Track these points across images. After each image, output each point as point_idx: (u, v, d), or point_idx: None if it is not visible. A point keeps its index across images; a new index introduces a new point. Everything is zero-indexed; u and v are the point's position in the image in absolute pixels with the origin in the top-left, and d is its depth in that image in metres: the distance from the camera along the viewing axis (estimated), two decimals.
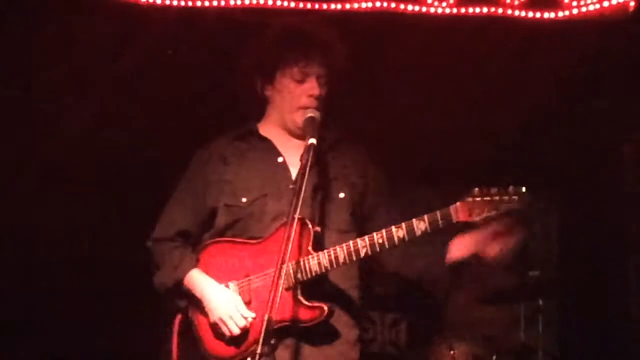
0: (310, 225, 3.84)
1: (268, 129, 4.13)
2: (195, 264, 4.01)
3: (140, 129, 6.04)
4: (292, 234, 3.56)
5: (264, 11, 5.49)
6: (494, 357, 5.78)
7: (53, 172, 5.86)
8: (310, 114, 3.97)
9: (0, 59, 5.54)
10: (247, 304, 3.90)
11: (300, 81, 3.96)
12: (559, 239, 7.06)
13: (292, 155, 3.97)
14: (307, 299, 3.81)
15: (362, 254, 3.79)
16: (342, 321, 3.95)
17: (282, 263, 3.49)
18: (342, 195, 4.06)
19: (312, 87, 3.96)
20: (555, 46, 5.73)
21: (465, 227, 3.88)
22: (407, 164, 6.49)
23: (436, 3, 5.47)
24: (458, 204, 3.79)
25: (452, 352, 5.71)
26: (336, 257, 3.79)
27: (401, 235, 3.77)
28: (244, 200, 3.99)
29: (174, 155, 6.17)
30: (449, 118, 6.20)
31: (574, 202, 6.78)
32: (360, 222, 4.09)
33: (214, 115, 6.00)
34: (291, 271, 3.79)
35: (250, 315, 3.86)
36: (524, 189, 3.74)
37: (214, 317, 3.90)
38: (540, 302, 5.98)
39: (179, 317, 4.07)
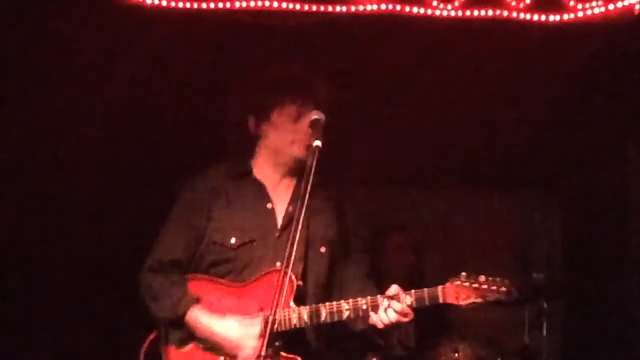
0: (294, 278, 3.93)
1: (261, 169, 4.25)
2: (197, 301, 4.06)
3: (145, 130, 6.04)
4: (296, 240, 3.61)
5: (269, 13, 5.49)
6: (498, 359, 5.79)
7: (54, 172, 5.86)
8: (315, 116, 3.99)
9: (4, 59, 5.54)
10: None
11: (296, 119, 4.13)
12: (562, 241, 7.06)
13: (280, 202, 4.16)
14: (277, 350, 3.87)
15: (345, 317, 3.91)
16: None
17: (287, 267, 3.53)
18: (322, 249, 4.18)
19: (305, 125, 4.07)
20: (561, 49, 5.73)
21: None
22: (410, 164, 6.50)
23: (441, 6, 5.47)
24: (447, 285, 3.92)
25: (456, 355, 5.71)
26: (317, 315, 3.91)
27: (385, 305, 3.89)
28: (232, 241, 4.09)
29: (177, 156, 6.22)
30: (453, 119, 6.20)
31: (578, 205, 6.78)
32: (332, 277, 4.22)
33: (218, 115, 6.01)
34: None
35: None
36: (508, 282, 3.93)
37: (231, 344, 3.93)
38: (545, 304, 5.98)
39: (151, 335, 4.13)
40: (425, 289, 3.95)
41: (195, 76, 5.85)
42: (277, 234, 4.11)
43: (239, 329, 3.92)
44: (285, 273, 3.58)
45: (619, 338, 6.17)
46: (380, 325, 3.92)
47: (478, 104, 6.10)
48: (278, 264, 3.81)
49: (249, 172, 4.23)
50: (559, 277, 6.64)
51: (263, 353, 3.42)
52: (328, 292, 4.16)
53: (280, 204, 4.17)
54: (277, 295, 3.53)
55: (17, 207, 5.79)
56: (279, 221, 4.14)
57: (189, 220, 4.17)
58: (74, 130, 5.84)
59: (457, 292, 3.92)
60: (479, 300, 3.92)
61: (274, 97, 4.17)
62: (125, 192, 6.11)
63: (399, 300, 3.90)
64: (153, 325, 4.13)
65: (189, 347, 4.03)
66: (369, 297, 3.93)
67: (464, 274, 3.93)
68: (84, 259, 6.01)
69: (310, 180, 3.72)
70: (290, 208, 4.12)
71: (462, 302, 3.93)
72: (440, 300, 3.93)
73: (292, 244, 3.61)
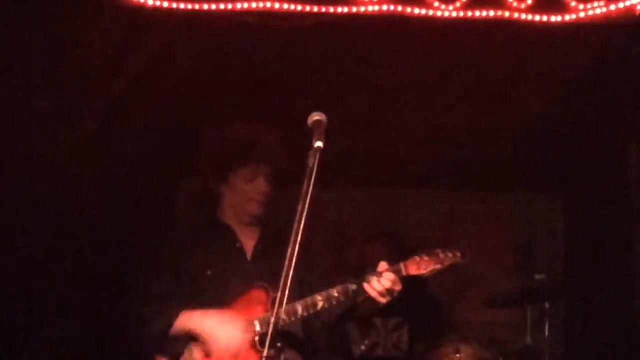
0: (268, 288, 4.31)
1: (227, 216, 4.63)
2: (184, 308, 4.32)
3: (146, 131, 6.04)
4: (299, 239, 3.61)
5: (270, 14, 5.49)
6: None
7: (56, 172, 5.86)
8: (317, 117, 3.98)
9: (6, 60, 5.54)
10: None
11: (251, 180, 4.51)
12: (564, 242, 7.06)
13: (248, 242, 4.58)
14: (262, 348, 4.03)
15: (319, 307, 4.28)
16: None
17: (289, 271, 3.55)
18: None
19: (260, 185, 4.51)
20: (562, 49, 5.73)
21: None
22: (412, 166, 6.50)
23: (443, 7, 5.46)
24: (408, 261, 4.36)
25: (458, 356, 5.71)
26: (294, 311, 4.26)
27: (355, 289, 4.30)
28: (209, 272, 4.44)
29: (179, 157, 6.23)
30: (455, 120, 6.21)
31: (580, 205, 6.78)
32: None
33: (221, 115, 6.02)
34: (256, 323, 4.24)
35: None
36: (460, 249, 4.41)
37: (207, 337, 4.22)
38: (547, 305, 5.98)
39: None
40: (391, 269, 4.32)
41: (197, 77, 5.85)
42: (248, 266, 4.52)
43: (215, 322, 4.23)
44: (299, 226, 3.62)
45: (621, 339, 6.17)
46: (380, 298, 4.27)
47: (480, 105, 6.10)
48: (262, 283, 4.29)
49: (217, 220, 4.62)
50: (561, 278, 6.65)
51: (265, 354, 3.42)
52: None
53: (248, 243, 4.58)
54: (279, 294, 3.56)
55: (18, 207, 5.79)
56: (248, 256, 4.55)
57: (171, 260, 4.49)
58: (75, 131, 5.85)
59: (418, 264, 4.35)
60: (438, 266, 4.36)
61: (228, 162, 4.54)
62: (127, 192, 6.12)
63: (370, 283, 4.26)
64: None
65: None
66: (340, 286, 4.30)
67: (421, 250, 4.39)
68: (85, 258, 6.02)
69: (312, 182, 3.72)
70: (259, 246, 4.55)
71: (424, 271, 4.36)
72: (404, 273, 4.32)
73: (305, 198, 3.63)
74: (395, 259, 5.74)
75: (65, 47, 5.57)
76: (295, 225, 3.58)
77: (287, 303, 4.17)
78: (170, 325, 4.29)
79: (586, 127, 6.29)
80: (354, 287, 4.30)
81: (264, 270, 4.39)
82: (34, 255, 5.88)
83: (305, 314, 4.27)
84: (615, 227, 6.38)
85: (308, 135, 3.85)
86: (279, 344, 3.52)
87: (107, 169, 6.05)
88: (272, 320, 3.47)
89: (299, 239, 3.60)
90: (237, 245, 4.58)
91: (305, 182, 3.71)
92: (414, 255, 4.36)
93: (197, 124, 6.01)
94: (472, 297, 6.60)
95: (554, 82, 5.95)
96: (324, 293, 4.29)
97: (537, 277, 5.99)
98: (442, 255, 4.38)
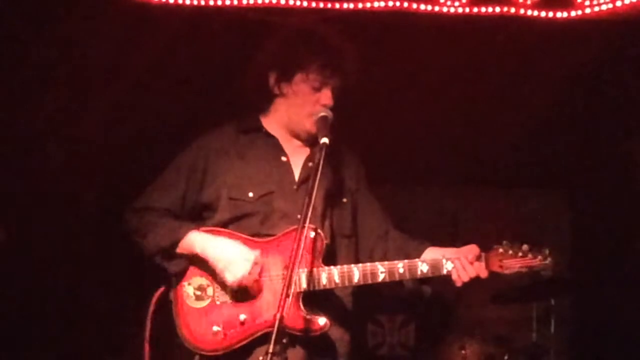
0: (323, 237, 3.90)
1: (272, 126, 4.15)
2: (195, 228, 3.97)
3: (151, 127, 6.05)
4: (304, 234, 3.59)
5: (277, 10, 5.49)
6: (506, 357, 5.78)
7: (58, 172, 5.87)
8: (322, 114, 3.99)
9: (10, 58, 5.55)
10: (254, 298, 3.90)
11: (318, 89, 4.02)
12: (570, 238, 7.05)
13: (295, 155, 4.08)
14: (307, 309, 3.85)
15: (380, 279, 3.85)
16: (335, 332, 4.00)
17: (293, 268, 3.50)
18: (345, 200, 4.16)
19: (327, 97, 4.03)
20: (568, 45, 5.72)
21: None
22: (417, 162, 6.49)
23: (449, 2, 5.46)
24: (491, 253, 3.89)
25: (463, 352, 5.72)
26: (350, 277, 3.86)
27: (425, 270, 3.88)
28: (250, 195, 4.01)
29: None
30: (461, 117, 6.20)
31: (586, 201, 6.77)
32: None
33: (226, 114, 6.01)
34: (302, 279, 3.82)
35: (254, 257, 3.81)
36: (548, 252, 3.93)
37: (220, 265, 3.84)
38: (553, 301, 5.98)
39: (159, 290, 4.05)
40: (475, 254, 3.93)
41: (203, 73, 5.85)
42: (295, 187, 4.05)
43: (233, 249, 3.86)
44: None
45: (627, 335, 6.16)
46: (459, 283, 3.93)
47: (485, 101, 6.10)
48: (299, 216, 3.64)
49: (259, 127, 4.14)
50: (567, 275, 6.64)
51: (271, 350, 3.40)
52: (354, 243, 4.11)
53: (295, 157, 4.09)
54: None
55: (20, 207, 5.80)
56: (296, 174, 4.07)
57: (186, 177, 4.10)
58: (80, 129, 5.85)
59: (502, 261, 3.89)
60: (524, 269, 3.92)
61: (301, 59, 4.05)
62: (129, 191, 6.11)
63: (440, 267, 3.89)
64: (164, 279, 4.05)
65: (204, 303, 3.93)
66: (406, 261, 3.89)
67: (506, 241, 3.89)
68: (87, 259, 6.02)
69: (318, 178, 3.71)
70: (310, 163, 4.02)
71: (507, 272, 3.91)
72: (484, 267, 3.90)
73: (311, 193, 3.57)
74: None
75: (70, 44, 5.57)
76: (301, 221, 3.58)
77: (343, 264, 3.89)
78: (178, 238, 3.93)
79: (592, 123, 6.28)
80: (424, 266, 3.89)
81: (315, 199, 3.76)
82: (36, 255, 5.91)
83: (362, 282, 3.86)
84: (620, 224, 6.37)
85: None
86: (284, 340, 3.52)
87: (109, 167, 6.06)
88: (277, 316, 3.45)
89: (304, 235, 3.59)
90: (284, 158, 4.08)
91: (311, 178, 3.71)
92: (497, 246, 3.91)
93: (201, 120, 6.05)
94: (477, 294, 6.59)
95: (559, 78, 5.93)
96: (386, 264, 3.88)
97: (542, 273, 5.98)
98: (529, 255, 3.93)
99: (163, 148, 6.10)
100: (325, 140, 3.82)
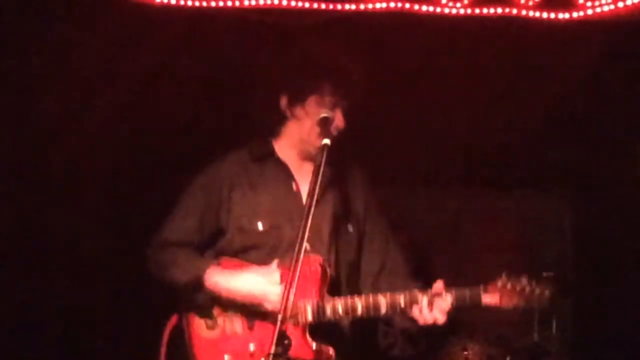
0: (328, 269, 3.93)
1: (284, 150, 4.14)
2: (214, 261, 4.00)
3: (152, 129, 6.05)
4: (307, 230, 3.59)
5: (278, 11, 5.49)
6: (508, 358, 5.77)
7: (60, 172, 5.87)
8: (324, 114, 3.98)
9: (10, 59, 5.55)
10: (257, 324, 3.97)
11: (330, 110, 4.01)
12: (573, 239, 7.05)
13: (305, 181, 4.00)
14: (312, 339, 3.88)
15: (382, 311, 3.87)
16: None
17: (295, 268, 3.51)
18: (350, 229, 4.16)
19: (339, 119, 4.02)
20: (570, 46, 5.72)
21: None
22: (419, 163, 6.49)
23: (450, 4, 5.46)
24: (490, 286, 3.90)
25: (465, 353, 5.71)
26: (353, 309, 3.87)
27: (425, 304, 3.85)
28: (260, 226, 4.01)
29: (185, 155, 6.23)
30: (462, 118, 6.20)
31: (588, 202, 6.76)
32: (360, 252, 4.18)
33: (228, 114, 6.02)
34: (308, 311, 3.86)
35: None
36: (549, 284, 3.95)
37: (255, 300, 3.85)
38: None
39: (173, 318, 4.07)
40: (467, 289, 3.93)
41: (204, 75, 5.85)
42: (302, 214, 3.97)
43: (258, 280, 3.85)
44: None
45: (629, 337, 6.16)
46: (421, 322, 3.88)
47: (487, 102, 6.09)
48: (307, 245, 3.66)
49: (271, 153, 4.13)
50: (569, 276, 6.63)
51: (272, 351, 3.41)
52: (357, 272, 4.12)
53: (304, 184, 4.02)
54: (286, 293, 3.45)
55: (23, 207, 5.80)
56: (305, 203, 3.94)
57: (202, 203, 4.10)
58: (81, 130, 5.85)
59: (501, 296, 3.90)
60: (522, 303, 3.92)
61: (314, 82, 4.03)
62: (131, 192, 6.12)
63: (441, 298, 3.86)
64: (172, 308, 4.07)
65: (215, 333, 3.96)
66: (407, 292, 3.88)
67: (504, 275, 3.89)
68: (89, 259, 6.03)
69: (319, 179, 3.71)
70: (316, 193, 3.92)
71: (505, 305, 3.92)
72: (482, 301, 3.91)
73: (312, 195, 3.58)
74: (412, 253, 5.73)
75: (71, 45, 5.58)
76: (303, 221, 3.58)
77: (347, 292, 3.93)
78: (200, 275, 3.92)
79: (594, 125, 6.28)
80: (424, 300, 3.86)
81: (321, 226, 3.98)
82: (38, 256, 5.91)
83: (365, 315, 3.88)
84: (623, 225, 6.37)
85: None
86: (286, 341, 3.52)
87: (110, 167, 6.06)
88: (279, 317, 3.46)
89: (306, 235, 3.59)
90: (294, 187, 4.09)
91: (312, 179, 3.71)
92: (497, 280, 3.91)
93: (202, 121, 6.05)
94: None
95: (561, 79, 5.93)
96: (389, 296, 3.87)
97: (545, 274, 5.99)
98: (527, 289, 3.90)
99: (164, 148, 6.14)
100: (326, 141, 3.82)
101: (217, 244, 4.10)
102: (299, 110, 4.06)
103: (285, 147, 4.15)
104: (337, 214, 4.10)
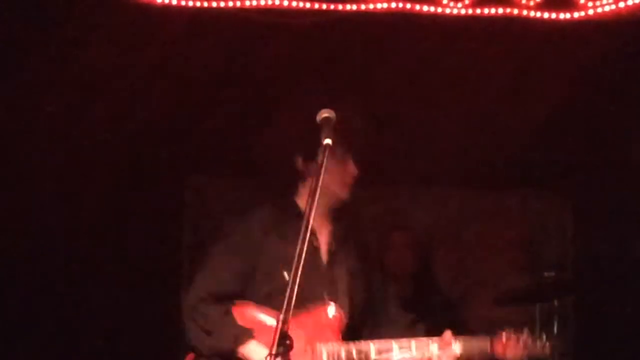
0: (343, 316, 4.17)
1: (303, 205, 4.27)
2: (251, 336, 4.13)
3: (153, 129, 6.05)
4: (309, 229, 3.59)
5: (279, 12, 5.49)
6: None
7: (62, 172, 5.88)
8: (325, 114, 3.98)
9: (13, 59, 5.56)
10: None
11: (342, 162, 4.27)
12: (574, 239, 7.04)
13: (321, 235, 4.32)
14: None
15: (394, 355, 4.08)
16: None
17: (297, 266, 3.52)
18: (362, 280, 4.42)
19: (352, 168, 4.31)
20: (571, 46, 5.72)
21: None
22: (420, 164, 6.49)
23: (451, 4, 5.47)
24: (496, 340, 4.20)
25: None
26: (367, 355, 4.08)
27: (435, 351, 4.11)
28: (285, 275, 4.06)
29: (186, 155, 6.23)
30: (464, 118, 6.20)
31: (589, 202, 6.76)
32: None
33: (229, 115, 6.02)
34: (324, 356, 4.05)
35: None
36: (546, 340, 4.29)
37: None
38: (556, 303, 5.96)
39: (189, 356, 4.20)
40: (474, 339, 4.19)
41: (205, 74, 5.86)
42: (322, 271, 4.28)
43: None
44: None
45: (630, 336, 6.16)
46: None
47: (488, 102, 6.09)
48: (326, 295, 4.10)
49: (298, 212, 4.28)
50: (571, 276, 6.63)
51: (274, 351, 3.40)
52: (372, 318, 4.43)
53: (322, 240, 4.33)
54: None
55: (24, 208, 5.80)
56: (324, 258, 4.31)
57: (240, 255, 4.25)
58: (83, 130, 5.86)
59: (505, 347, 4.19)
60: (525, 356, 4.21)
61: (324, 139, 4.07)
62: (132, 192, 6.13)
63: (449, 346, 4.11)
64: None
65: None
66: (418, 340, 4.13)
67: (508, 330, 4.22)
68: (90, 260, 6.03)
69: (321, 179, 3.71)
70: (333, 247, 4.33)
71: (509, 356, 4.19)
72: (488, 352, 4.17)
73: (314, 193, 3.61)
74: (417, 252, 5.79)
75: (73, 45, 5.58)
76: (304, 223, 3.58)
77: (362, 338, 4.18)
78: (235, 348, 4.08)
79: (595, 125, 6.28)
80: (434, 347, 4.13)
81: (338, 279, 4.27)
82: (40, 257, 5.91)
83: (377, 358, 4.09)
84: (623, 225, 6.37)
85: None
86: (287, 342, 3.51)
87: (112, 167, 6.06)
88: (280, 317, 3.46)
89: (307, 236, 3.59)
90: (315, 244, 4.29)
91: (314, 179, 3.71)
92: (501, 334, 4.23)
93: (203, 122, 6.06)
94: (481, 295, 6.59)
95: (562, 80, 5.93)
96: (403, 343, 4.13)
97: (546, 274, 5.99)
98: (529, 342, 4.25)
99: (166, 148, 6.14)
100: (328, 141, 3.82)
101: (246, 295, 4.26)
102: (314, 168, 4.10)
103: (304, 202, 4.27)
104: (352, 265, 4.37)
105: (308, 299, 4.07)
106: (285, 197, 4.39)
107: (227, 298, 4.22)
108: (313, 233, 4.26)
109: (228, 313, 4.18)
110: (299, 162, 4.29)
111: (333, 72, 5.88)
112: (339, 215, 4.33)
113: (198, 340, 4.18)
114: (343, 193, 4.30)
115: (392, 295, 5.64)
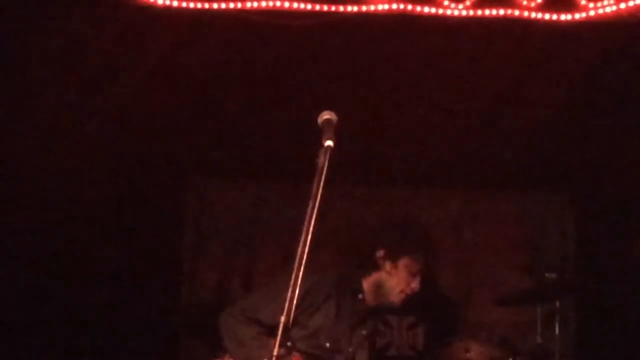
0: None
1: (368, 289, 4.79)
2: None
3: (154, 130, 6.05)
4: (309, 237, 3.59)
5: (280, 13, 5.49)
6: (511, 359, 5.77)
7: (62, 173, 5.87)
8: (327, 116, 3.97)
9: (15, 60, 5.56)
10: None
11: (413, 275, 4.73)
12: (575, 239, 7.04)
13: None
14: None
15: None
16: None
17: (299, 265, 3.52)
18: (364, 332, 4.85)
19: (417, 282, 4.77)
20: (572, 48, 5.72)
21: None
22: (421, 165, 6.49)
23: (453, 5, 5.47)
24: None
25: (468, 354, 5.69)
26: None
27: None
28: (327, 345, 4.61)
29: (187, 156, 6.23)
30: (465, 119, 6.19)
31: (591, 203, 6.76)
32: None
33: (229, 115, 6.02)
34: None
35: None
36: None
37: None
38: (557, 303, 5.96)
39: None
40: None
41: (206, 75, 5.86)
42: (350, 350, 4.69)
43: None
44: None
45: (632, 336, 6.16)
46: None
47: (490, 103, 6.09)
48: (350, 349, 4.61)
49: (359, 291, 4.75)
50: (572, 277, 6.63)
51: (275, 353, 3.41)
52: None
53: None
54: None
55: (24, 208, 5.80)
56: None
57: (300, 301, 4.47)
58: (84, 131, 5.86)
59: None
60: None
61: (411, 247, 4.74)
62: (132, 192, 6.13)
63: None
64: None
65: None
66: None
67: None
68: (90, 259, 6.03)
69: (322, 181, 3.71)
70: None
71: None
72: None
73: (315, 196, 3.62)
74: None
75: (76, 46, 5.58)
76: (305, 224, 3.58)
77: None
78: None
79: (596, 125, 6.27)
80: None
81: (342, 330, 4.62)
82: (41, 258, 5.91)
83: None
84: (625, 226, 6.37)
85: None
86: (288, 343, 3.51)
87: (113, 167, 6.06)
88: (283, 319, 3.46)
89: (309, 237, 3.59)
90: (364, 332, 4.76)
91: (315, 180, 3.71)
92: None
93: (203, 122, 6.06)
94: (482, 296, 6.58)
95: (563, 80, 5.93)
96: None
97: (547, 275, 5.98)
98: None
99: (166, 148, 6.14)
100: (329, 143, 3.81)
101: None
102: (389, 266, 4.71)
103: (368, 290, 4.79)
104: (353, 321, 4.73)
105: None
106: (355, 275, 4.80)
107: (259, 324, 4.53)
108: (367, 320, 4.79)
109: (259, 334, 4.50)
110: (381, 253, 4.73)
111: (334, 73, 5.88)
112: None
113: (225, 347, 4.53)
114: (398, 300, 4.75)
115: None
